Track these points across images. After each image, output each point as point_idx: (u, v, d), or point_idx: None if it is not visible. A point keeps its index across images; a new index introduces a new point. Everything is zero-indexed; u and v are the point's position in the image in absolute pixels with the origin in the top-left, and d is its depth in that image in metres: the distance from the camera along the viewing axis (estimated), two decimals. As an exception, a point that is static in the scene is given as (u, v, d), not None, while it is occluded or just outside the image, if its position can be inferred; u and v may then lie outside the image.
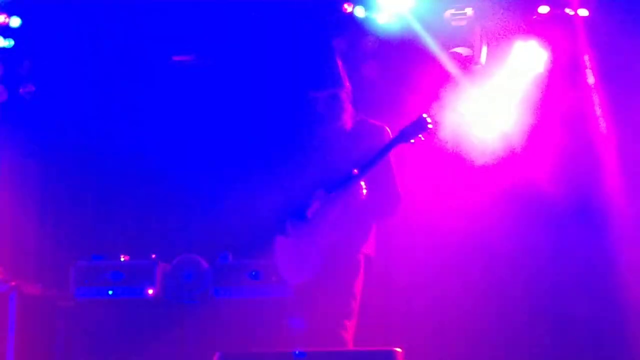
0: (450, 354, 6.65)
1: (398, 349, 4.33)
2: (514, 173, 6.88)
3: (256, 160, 7.01)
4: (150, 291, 6.86)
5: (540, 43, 6.84)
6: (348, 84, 5.45)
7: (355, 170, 5.17)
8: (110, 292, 6.92)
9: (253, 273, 6.81)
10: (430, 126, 5.19)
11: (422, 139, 5.21)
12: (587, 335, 6.64)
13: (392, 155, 5.38)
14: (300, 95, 5.49)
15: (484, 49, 6.85)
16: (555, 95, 6.91)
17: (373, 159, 5.20)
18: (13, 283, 6.77)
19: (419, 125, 5.19)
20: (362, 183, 5.22)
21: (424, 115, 5.22)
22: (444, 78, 6.92)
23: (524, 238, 6.81)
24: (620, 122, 6.81)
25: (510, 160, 6.90)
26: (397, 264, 6.88)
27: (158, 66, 7.58)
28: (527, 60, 6.88)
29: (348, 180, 5.19)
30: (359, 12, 6.91)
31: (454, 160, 6.95)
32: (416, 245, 6.93)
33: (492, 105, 6.96)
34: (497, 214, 6.82)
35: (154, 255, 7.03)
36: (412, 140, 5.21)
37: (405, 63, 7.06)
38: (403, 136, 5.22)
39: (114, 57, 7.43)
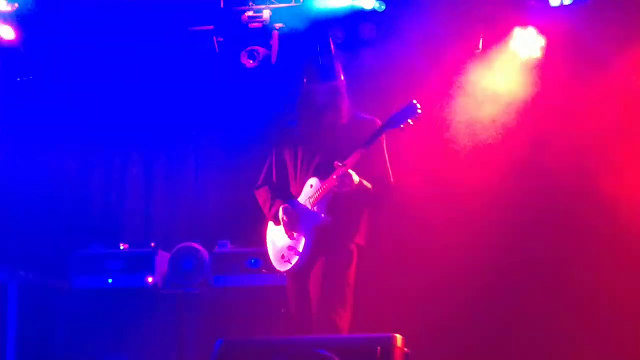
0: (447, 342, 6.66)
1: (397, 335, 4.32)
2: (509, 163, 6.88)
3: (252, 148, 7.04)
4: (150, 279, 6.89)
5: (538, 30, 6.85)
6: (343, 77, 5.46)
7: (338, 163, 5.18)
8: (109, 281, 6.94)
9: (252, 261, 6.85)
10: (419, 111, 5.20)
11: (411, 123, 5.22)
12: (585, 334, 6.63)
13: (386, 145, 5.41)
14: (300, 87, 5.50)
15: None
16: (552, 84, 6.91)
17: (365, 144, 5.22)
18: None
19: (409, 111, 5.22)
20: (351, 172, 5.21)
21: (414, 102, 5.24)
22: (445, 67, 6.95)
23: (519, 229, 6.80)
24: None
25: (506, 149, 6.91)
26: (393, 253, 6.90)
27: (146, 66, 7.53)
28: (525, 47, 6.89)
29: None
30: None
31: (448, 150, 6.98)
32: (411, 234, 6.94)
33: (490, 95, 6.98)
34: (491, 203, 6.83)
35: (153, 244, 7.05)
36: (402, 125, 5.23)
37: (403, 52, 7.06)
38: (392, 122, 5.24)
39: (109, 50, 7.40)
